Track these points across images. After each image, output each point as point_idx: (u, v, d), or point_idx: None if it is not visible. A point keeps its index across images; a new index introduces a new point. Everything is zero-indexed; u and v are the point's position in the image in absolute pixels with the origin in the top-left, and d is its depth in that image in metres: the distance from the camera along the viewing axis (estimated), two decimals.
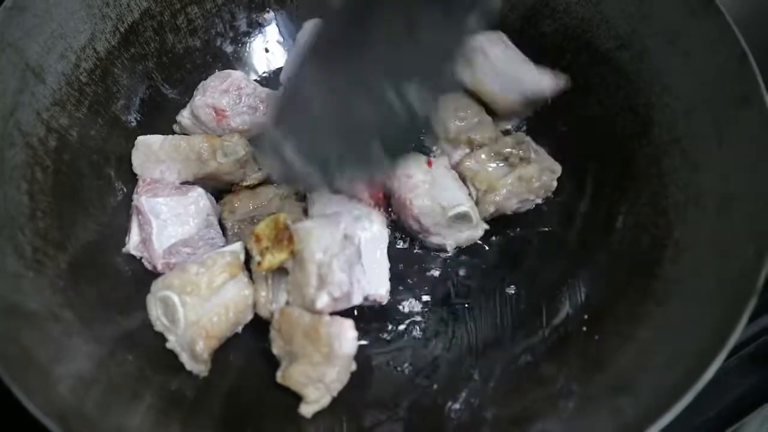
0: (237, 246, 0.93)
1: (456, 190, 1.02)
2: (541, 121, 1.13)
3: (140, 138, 1.03)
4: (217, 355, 0.90)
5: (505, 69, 1.08)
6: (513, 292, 1.01)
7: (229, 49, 1.22)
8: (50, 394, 0.71)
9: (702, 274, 0.83)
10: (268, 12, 1.24)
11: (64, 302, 0.83)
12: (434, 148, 1.11)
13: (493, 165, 1.05)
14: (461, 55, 0.81)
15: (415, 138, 0.89)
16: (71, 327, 0.82)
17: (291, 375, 0.84)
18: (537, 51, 1.15)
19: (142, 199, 0.97)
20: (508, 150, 1.04)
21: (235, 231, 1.01)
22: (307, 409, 0.85)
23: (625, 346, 0.84)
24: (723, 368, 0.71)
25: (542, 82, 1.07)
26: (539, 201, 1.05)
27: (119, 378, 0.82)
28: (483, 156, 1.05)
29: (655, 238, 0.92)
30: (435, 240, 1.02)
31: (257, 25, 1.23)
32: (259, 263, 0.88)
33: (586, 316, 0.93)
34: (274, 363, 0.89)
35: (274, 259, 0.87)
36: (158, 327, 0.89)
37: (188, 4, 1.13)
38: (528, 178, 1.02)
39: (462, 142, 1.08)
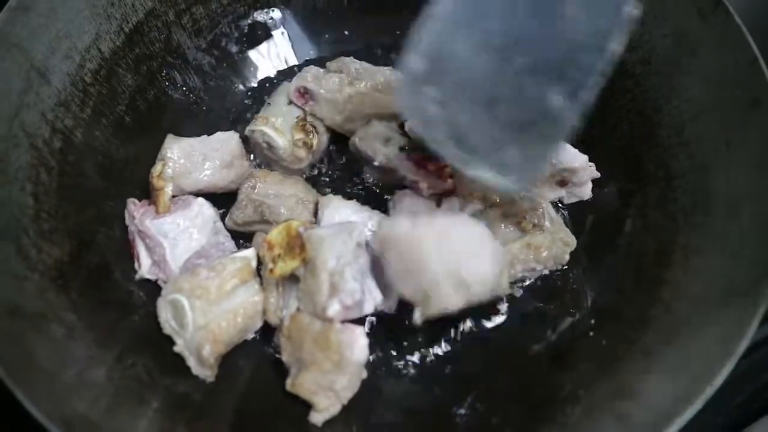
0: (249, 252, 0.93)
1: None
2: None
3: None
4: (226, 360, 0.90)
5: None
6: (520, 295, 1.00)
7: (234, 49, 1.21)
8: (54, 398, 0.71)
9: (711, 279, 0.82)
10: (274, 11, 1.23)
11: (68, 305, 0.83)
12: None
13: (504, 227, 0.99)
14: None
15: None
16: (75, 330, 0.81)
17: (301, 383, 0.83)
18: None
19: (147, 223, 0.96)
20: (523, 214, 0.98)
21: (243, 204, 1.02)
22: (317, 418, 0.84)
23: (633, 351, 0.83)
24: (731, 371, 0.70)
25: (576, 159, 1.01)
26: (546, 272, 1.00)
27: (125, 381, 0.81)
28: (495, 216, 0.99)
29: (662, 242, 0.91)
30: None
31: (263, 25, 1.23)
32: (270, 270, 0.87)
33: (592, 321, 0.93)
34: (283, 370, 0.88)
35: (285, 266, 0.87)
36: (167, 330, 0.88)
37: (193, 4, 1.13)
38: (537, 246, 0.96)
39: (475, 198, 1.01)
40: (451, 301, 0.79)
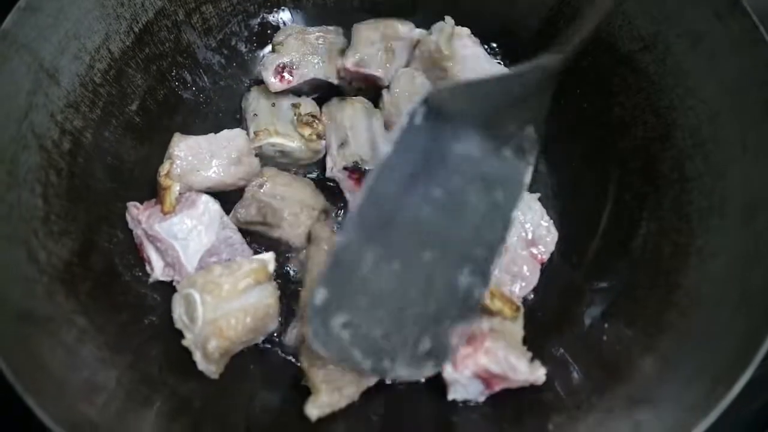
0: (267, 255, 0.94)
1: None
2: (561, 125, 1.10)
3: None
4: (235, 363, 0.90)
5: (482, 65, 1.09)
6: (532, 300, 1.00)
7: (243, 48, 1.21)
8: (63, 403, 0.71)
9: (727, 284, 0.81)
10: (284, 10, 1.22)
11: (78, 307, 0.83)
12: None
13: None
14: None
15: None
16: (85, 333, 0.81)
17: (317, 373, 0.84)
18: None
19: (156, 227, 0.95)
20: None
21: (248, 202, 1.02)
22: (312, 411, 0.84)
23: (647, 357, 0.82)
24: (749, 377, 0.69)
25: None
26: None
27: (134, 385, 0.81)
28: None
29: (677, 246, 0.90)
30: None
31: (272, 25, 1.22)
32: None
33: (606, 326, 0.91)
34: (292, 373, 0.89)
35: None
36: (179, 325, 0.89)
37: (203, 3, 1.12)
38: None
39: None
40: None
